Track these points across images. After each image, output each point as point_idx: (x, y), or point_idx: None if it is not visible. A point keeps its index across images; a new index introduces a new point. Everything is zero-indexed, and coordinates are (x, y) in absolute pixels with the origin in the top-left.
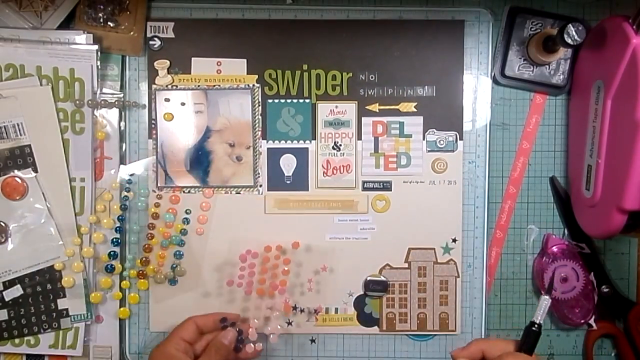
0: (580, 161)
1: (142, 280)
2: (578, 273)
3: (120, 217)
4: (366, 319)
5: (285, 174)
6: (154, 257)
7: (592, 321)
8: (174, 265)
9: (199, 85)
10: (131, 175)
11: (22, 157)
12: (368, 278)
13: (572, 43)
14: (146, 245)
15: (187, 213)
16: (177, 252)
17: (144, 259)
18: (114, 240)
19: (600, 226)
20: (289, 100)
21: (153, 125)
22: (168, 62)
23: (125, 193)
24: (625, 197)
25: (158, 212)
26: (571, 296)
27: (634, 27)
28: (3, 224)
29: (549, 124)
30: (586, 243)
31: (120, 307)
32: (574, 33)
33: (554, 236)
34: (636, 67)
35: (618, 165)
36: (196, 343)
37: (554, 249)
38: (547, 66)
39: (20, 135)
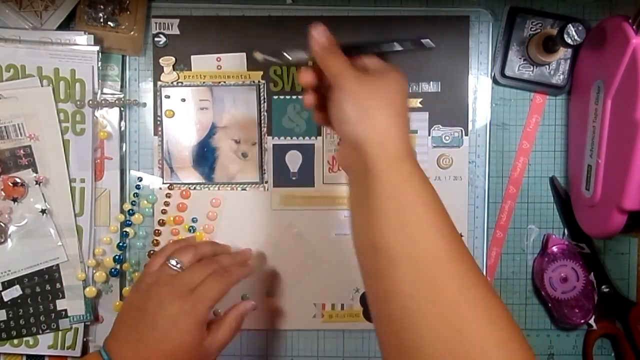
0: (580, 161)
1: None
2: (578, 273)
3: (127, 222)
4: None
5: (291, 170)
6: None
7: (592, 321)
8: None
9: (204, 82)
10: (140, 180)
11: (22, 158)
12: None
13: (572, 43)
14: (151, 252)
15: (195, 211)
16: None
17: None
18: (119, 245)
19: (600, 226)
20: (294, 97)
21: (158, 122)
22: (173, 59)
23: (134, 198)
24: (625, 197)
25: (167, 209)
26: (571, 296)
27: (634, 27)
28: (2, 224)
29: (549, 124)
30: (586, 243)
31: None
32: (574, 33)
33: (554, 236)
34: (636, 67)
35: (618, 165)
36: None
37: (554, 249)
38: (547, 66)
39: (21, 135)
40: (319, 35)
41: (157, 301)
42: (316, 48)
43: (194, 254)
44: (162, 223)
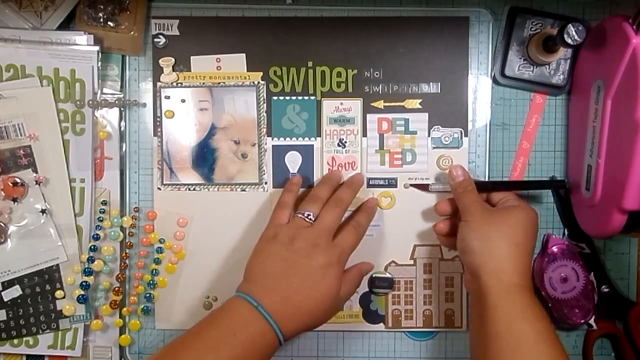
0: (580, 161)
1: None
2: (578, 273)
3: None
4: (372, 316)
5: (291, 171)
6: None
7: (592, 321)
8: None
9: (203, 83)
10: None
11: (22, 158)
12: (373, 275)
13: (572, 43)
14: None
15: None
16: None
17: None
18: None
19: (600, 226)
20: (293, 97)
21: (158, 123)
22: (173, 60)
23: (100, 214)
24: (625, 197)
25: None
26: (571, 296)
27: (634, 27)
28: (2, 224)
29: (549, 124)
30: (586, 243)
31: (120, 334)
32: (574, 33)
33: (554, 236)
34: (636, 67)
35: (618, 165)
36: None
37: (554, 249)
38: (547, 66)
39: (21, 135)
40: (456, 173)
41: (304, 253)
42: (452, 183)
43: (320, 203)
44: (129, 245)
